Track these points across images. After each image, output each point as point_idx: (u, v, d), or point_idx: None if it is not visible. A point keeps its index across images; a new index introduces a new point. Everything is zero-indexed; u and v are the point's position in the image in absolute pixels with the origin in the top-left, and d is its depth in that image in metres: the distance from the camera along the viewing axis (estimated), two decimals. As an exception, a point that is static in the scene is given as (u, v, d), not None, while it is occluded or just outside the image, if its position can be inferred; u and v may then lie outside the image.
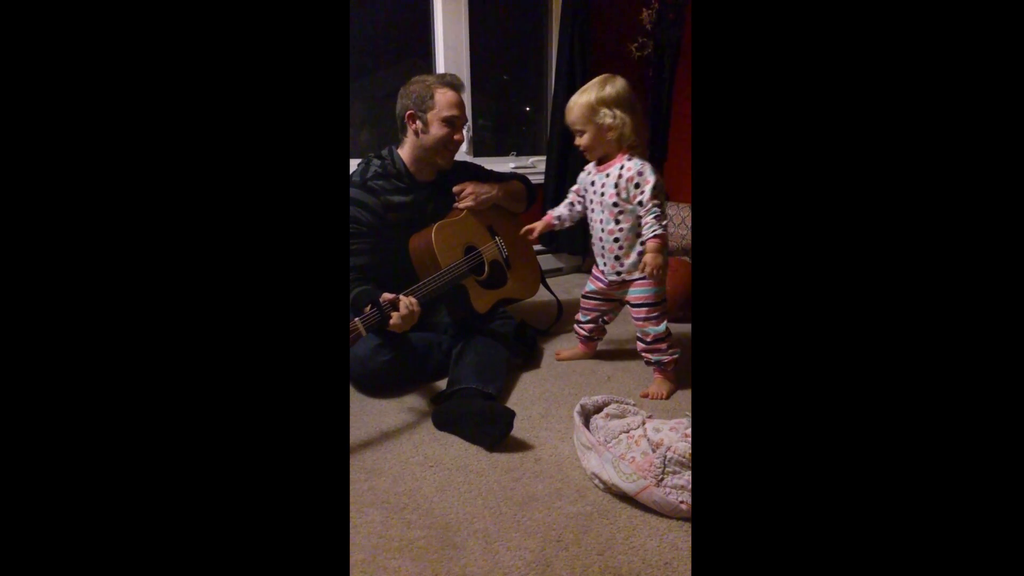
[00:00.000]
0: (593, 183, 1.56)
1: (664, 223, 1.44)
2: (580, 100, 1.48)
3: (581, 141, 1.52)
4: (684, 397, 1.52)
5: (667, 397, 1.51)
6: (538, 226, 1.67)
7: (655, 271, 1.45)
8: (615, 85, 1.47)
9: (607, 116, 1.46)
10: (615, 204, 1.49)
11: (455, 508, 1.04)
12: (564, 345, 1.89)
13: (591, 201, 1.57)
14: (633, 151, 1.50)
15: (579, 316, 1.73)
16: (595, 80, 1.50)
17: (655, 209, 1.44)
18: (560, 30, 2.73)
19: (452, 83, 1.62)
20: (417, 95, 1.60)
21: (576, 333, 1.76)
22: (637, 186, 1.46)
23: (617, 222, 1.51)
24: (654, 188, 1.44)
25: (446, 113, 1.59)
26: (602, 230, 1.55)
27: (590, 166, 1.59)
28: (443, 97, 1.59)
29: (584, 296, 1.69)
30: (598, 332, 1.74)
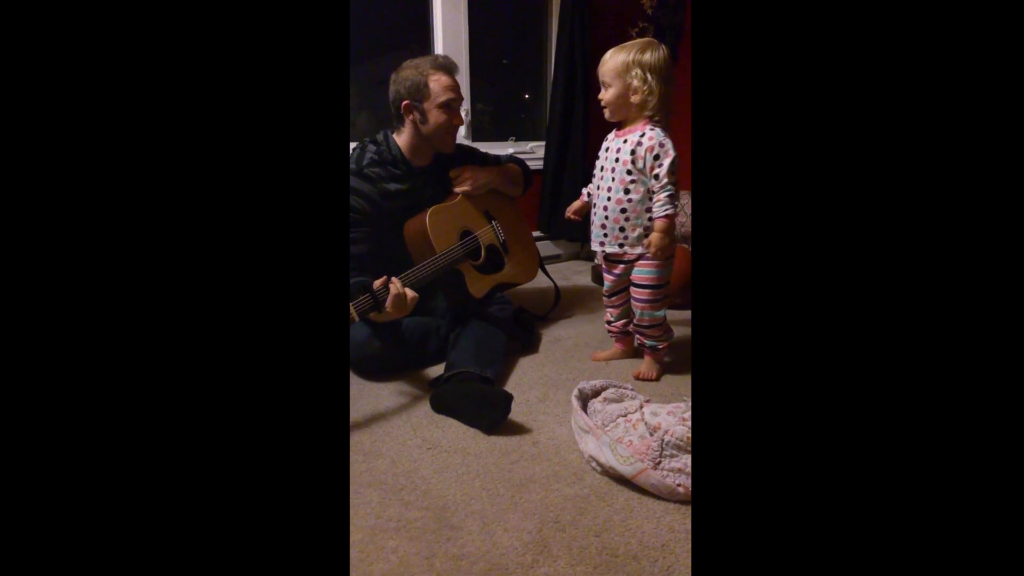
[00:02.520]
0: (608, 148, 1.50)
1: (676, 203, 1.40)
2: (617, 56, 1.43)
3: (604, 95, 1.46)
4: (679, 381, 1.52)
5: (656, 378, 1.52)
6: (575, 205, 1.65)
7: (659, 252, 1.42)
8: (655, 52, 1.42)
9: (636, 78, 1.41)
10: (628, 172, 1.43)
11: (453, 490, 1.04)
12: (563, 331, 1.89)
13: (602, 168, 1.52)
14: (656, 122, 1.44)
15: (608, 317, 1.66)
16: (639, 41, 1.44)
17: (670, 187, 1.39)
18: (560, 15, 2.71)
19: (445, 66, 1.59)
20: (411, 84, 1.56)
21: (610, 333, 1.68)
22: (656, 157, 1.40)
23: (627, 191, 1.45)
24: (672, 163, 1.39)
25: (443, 99, 1.56)
26: (608, 199, 1.48)
27: (611, 135, 1.53)
28: (438, 84, 1.56)
29: (606, 296, 1.62)
30: (630, 324, 1.63)
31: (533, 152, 2.90)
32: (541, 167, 2.83)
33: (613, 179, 1.47)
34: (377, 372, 1.52)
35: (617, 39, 2.91)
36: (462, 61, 2.60)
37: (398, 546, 0.90)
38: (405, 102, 1.58)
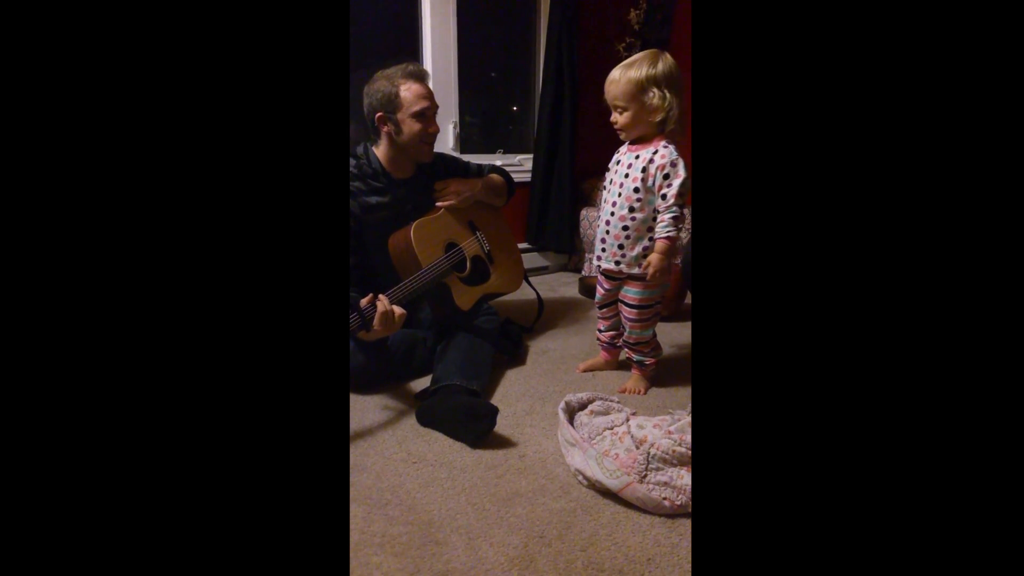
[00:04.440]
0: (619, 162, 1.45)
1: (680, 226, 1.37)
2: (628, 75, 1.34)
3: (619, 119, 1.39)
4: (666, 395, 1.53)
5: (644, 393, 1.52)
6: None
7: (656, 274, 1.39)
8: (666, 62, 1.34)
9: (655, 96, 1.33)
10: (636, 189, 1.39)
11: (438, 504, 1.03)
12: (551, 344, 1.89)
13: (610, 182, 1.47)
14: (672, 137, 1.39)
15: (599, 326, 1.66)
16: (644, 54, 1.35)
17: (675, 208, 1.35)
18: (548, 29, 2.74)
19: (416, 74, 1.57)
20: (383, 95, 1.55)
21: (599, 341, 1.68)
22: (666, 177, 1.36)
23: (631, 210, 1.40)
24: (682, 185, 1.34)
25: (416, 108, 1.55)
26: (612, 213, 1.44)
27: (623, 147, 1.48)
28: (409, 92, 1.55)
29: (598, 307, 1.62)
30: (619, 337, 1.63)
31: (521, 164, 2.91)
32: (529, 179, 2.84)
33: (619, 194, 1.43)
34: (362, 385, 1.51)
35: (604, 53, 2.94)
36: (451, 74, 2.61)
37: (382, 562, 0.89)
38: (379, 114, 1.57)
